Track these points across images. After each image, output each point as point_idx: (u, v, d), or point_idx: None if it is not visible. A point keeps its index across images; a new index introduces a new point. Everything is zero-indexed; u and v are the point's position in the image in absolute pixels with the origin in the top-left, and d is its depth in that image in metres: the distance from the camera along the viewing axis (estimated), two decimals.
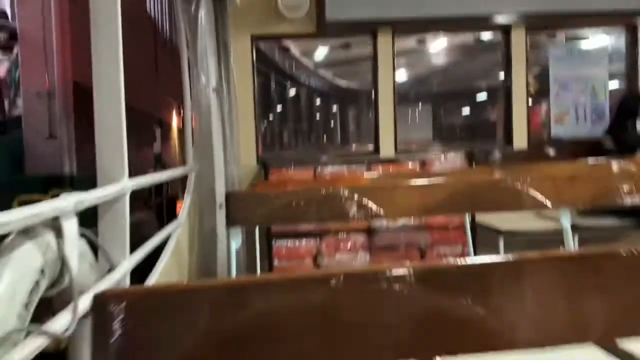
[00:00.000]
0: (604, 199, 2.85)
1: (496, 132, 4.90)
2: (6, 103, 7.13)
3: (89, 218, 1.50)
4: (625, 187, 2.74)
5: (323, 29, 4.26)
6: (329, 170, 4.30)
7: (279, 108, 6.33)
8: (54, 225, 1.26)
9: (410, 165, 4.35)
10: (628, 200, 2.75)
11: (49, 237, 1.24)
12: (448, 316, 1.34)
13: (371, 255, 4.25)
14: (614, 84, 4.81)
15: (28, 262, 1.16)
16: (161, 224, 7.59)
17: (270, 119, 5.70)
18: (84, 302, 1.29)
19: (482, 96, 5.83)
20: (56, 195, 1.30)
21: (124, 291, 1.53)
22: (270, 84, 5.82)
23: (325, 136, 7.47)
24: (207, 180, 3.03)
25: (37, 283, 1.17)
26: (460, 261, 1.41)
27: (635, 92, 4.63)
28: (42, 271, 1.19)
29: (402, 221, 4.21)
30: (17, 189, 5.23)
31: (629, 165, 2.91)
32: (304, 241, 4.21)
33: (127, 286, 1.62)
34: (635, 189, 2.74)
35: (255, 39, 4.33)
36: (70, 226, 1.29)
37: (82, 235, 1.42)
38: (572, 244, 2.90)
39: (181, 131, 12.81)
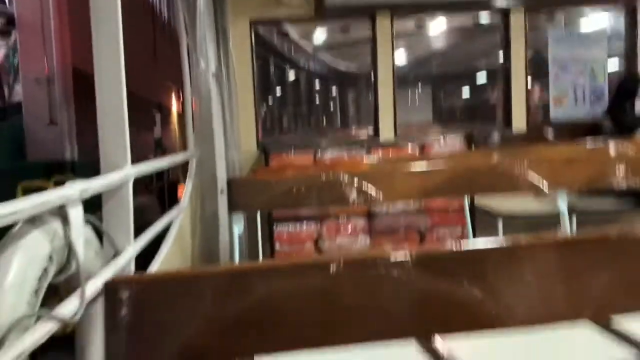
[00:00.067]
0: (600, 181, 2.88)
1: (495, 114, 4.90)
2: (5, 89, 7.12)
3: (92, 204, 1.53)
4: (622, 170, 2.76)
5: (322, 12, 4.23)
6: (328, 154, 4.32)
7: (278, 92, 6.32)
8: (60, 212, 1.28)
9: (409, 148, 4.36)
10: (624, 183, 2.77)
11: (56, 224, 1.26)
12: (446, 298, 1.38)
13: (371, 238, 4.28)
14: (613, 65, 4.80)
15: (36, 249, 1.19)
16: (163, 208, 7.64)
17: (270, 103, 5.69)
18: (91, 288, 1.33)
19: (481, 78, 5.82)
20: (60, 182, 1.32)
21: (133, 278, 1.56)
22: (270, 68, 5.80)
23: (324, 119, 7.44)
24: (208, 165, 3.04)
25: (45, 270, 1.20)
26: (457, 246, 1.44)
27: (634, 73, 4.62)
28: (50, 258, 1.22)
29: (402, 204, 4.23)
30: (20, 175, 5.27)
31: (627, 147, 2.92)
32: (305, 225, 4.24)
33: (132, 271, 1.65)
34: (632, 172, 2.76)
35: (254, 23, 4.31)
36: (76, 213, 1.32)
37: (87, 221, 1.44)
38: (568, 226, 2.94)
39: (181, 116, 12.79)
